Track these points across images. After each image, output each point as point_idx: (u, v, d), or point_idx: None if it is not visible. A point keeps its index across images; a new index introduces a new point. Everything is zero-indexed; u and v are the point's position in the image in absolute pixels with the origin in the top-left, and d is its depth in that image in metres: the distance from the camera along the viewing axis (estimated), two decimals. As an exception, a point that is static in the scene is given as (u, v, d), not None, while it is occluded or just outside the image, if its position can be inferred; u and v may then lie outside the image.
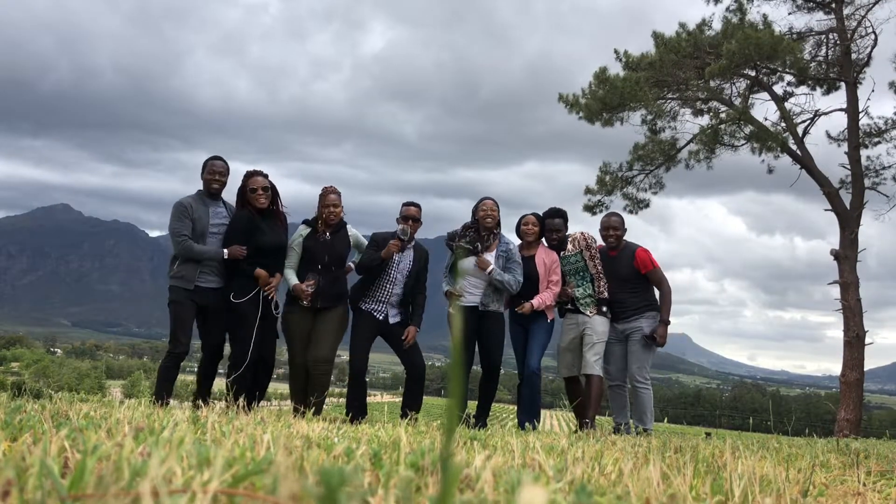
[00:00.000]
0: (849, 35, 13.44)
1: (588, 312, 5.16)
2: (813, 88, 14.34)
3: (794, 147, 13.75)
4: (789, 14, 14.33)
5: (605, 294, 5.16)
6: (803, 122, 14.07)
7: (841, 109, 13.76)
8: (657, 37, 14.07)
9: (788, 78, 14.47)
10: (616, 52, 14.70)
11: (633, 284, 5.23)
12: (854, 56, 13.62)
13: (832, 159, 14.03)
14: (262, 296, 4.83)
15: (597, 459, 1.71)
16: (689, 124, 15.04)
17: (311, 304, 4.88)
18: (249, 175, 4.88)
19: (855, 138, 13.40)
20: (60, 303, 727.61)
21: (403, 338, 5.01)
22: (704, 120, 14.87)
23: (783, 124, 13.94)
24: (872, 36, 13.58)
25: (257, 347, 4.81)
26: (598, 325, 5.15)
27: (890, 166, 14.00)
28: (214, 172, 4.83)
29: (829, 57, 14.16)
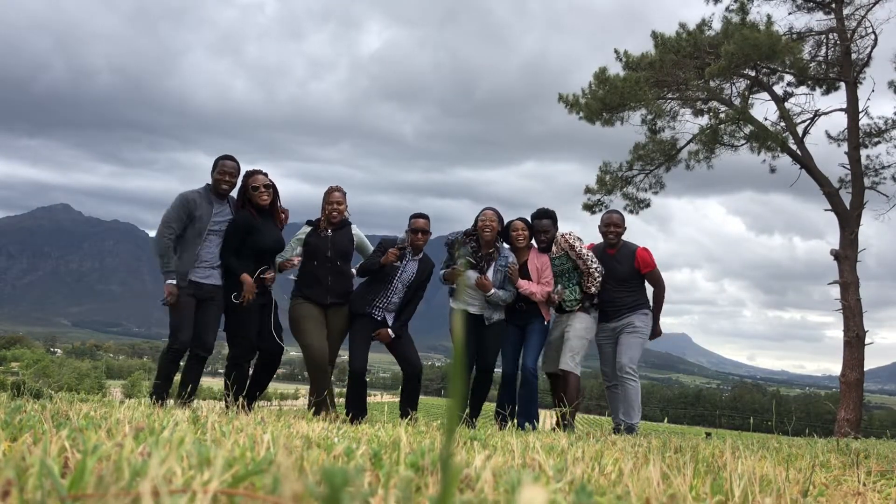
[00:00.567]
0: (849, 35, 13.44)
1: (575, 309, 5.17)
2: (813, 88, 14.35)
3: (794, 147, 13.75)
4: (789, 14, 14.35)
5: (593, 290, 5.11)
6: (803, 121, 14.09)
7: (841, 109, 13.76)
8: (657, 37, 14.07)
9: (788, 78, 14.47)
10: (616, 51, 14.71)
11: (630, 284, 5.22)
12: (854, 56, 13.62)
13: (832, 159, 14.04)
14: (260, 294, 4.85)
15: (597, 459, 1.71)
16: (689, 124, 15.06)
17: (321, 301, 4.91)
18: (250, 174, 4.89)
19: (855, 138, 13.40)
20: (60, 303, 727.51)
21: (374, 335, 5.03)
22: (704, 120, 14.89)
23: (783, 124, 13.94)
24: (872, 36, 13.60)
25: (256, 344, 4.85)
26: (577, 323, 5.13)
27: (889, 166, 14.02)
28: (225, 173, 4.80)
29: (829, 57, 14.16)
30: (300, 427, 2.26)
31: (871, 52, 13.66)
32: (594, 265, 5.10)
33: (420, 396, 5.26)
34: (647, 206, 15.55)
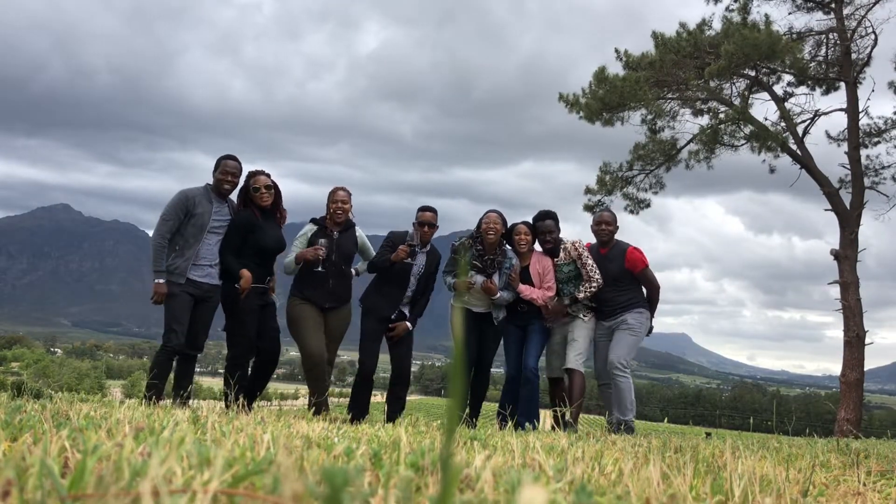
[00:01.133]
0: (849, 35, 13.44)
1: (581, 316, 5.19)
2: (813, 88, 14.35)
3: (794, 147, 13.76)
4: (789, 14, 14.36)
5: (581, 295, 5.12)
6: (803, 121, 14.10)
7: (841, 109, 13.77)
8: (657, 36, 14.07)
9: (788, 78, 14.48)
10: (616, 51, 14.71)
11: (622, 283, 5.21)
12: (854, 56, 13.62)
13: (832, 159, 14.05)
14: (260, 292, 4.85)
15: (597, 459, 1.71)
16: (688, 124, 15.07)
17: (320, 304, 4.92)
18: (253, 174, 4.90)
19: (855, 138, 13.41)
20: (60, 303, 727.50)
21: (391, 329, 5.07)
22: (704, 120, 14.90)
23: (783, 124, 13.94)
24: (872, 36, 13.60)
25: (255, 344, 4.85)
26: (579, 325, 5.18)
27: (889, 166, 14.02)
28: (227, 173, 4.80)
29: (829, 57, 14.16)
30: (300, 427, 2.26)
31: (871, 51, 13.67)
32: (596, 276, 5.12)
33: (419, 397, 5.27)
34: (648, 206, 15.56)
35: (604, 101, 13.88)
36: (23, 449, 1.10)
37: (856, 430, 11.36)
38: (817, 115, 14.03)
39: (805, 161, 13.51)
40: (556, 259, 5.23)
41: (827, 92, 14.31)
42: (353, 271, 5.24)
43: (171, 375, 4.75)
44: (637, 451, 2.19)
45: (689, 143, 14.99)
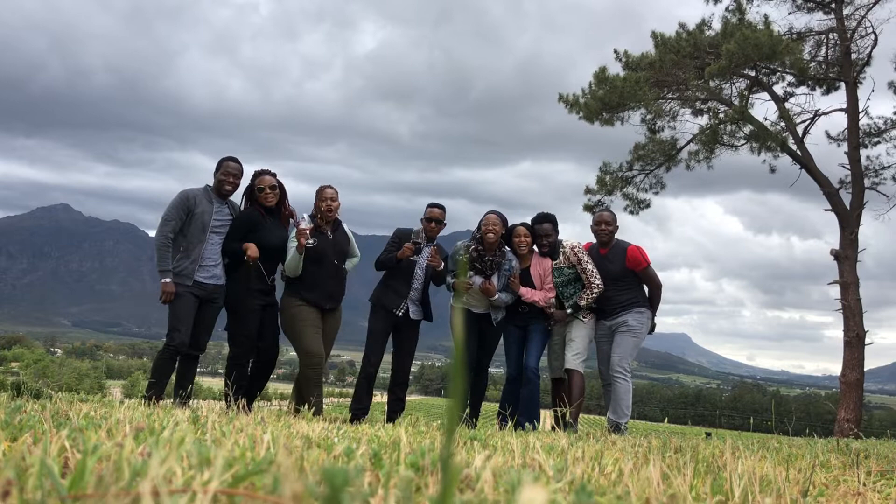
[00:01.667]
0: (849, 35, 13.44)
1: (580, 316, 5.19)
2: (813, 88, 14.35)
3: (794, 147, 13.75)
4: (789, 14, 14.36)
5: (583, 302, 5.12)
6: (803, 122, 14.09)
7: (841, 109, 13.77)
8: (657, 36, 14.07)
9: (789, 78, 14.47)
10: (616, 51, 14.72)
11: (622, 283, 5.20)
12: (854, 56, 13.62)
13: (832, 159, 14.05)
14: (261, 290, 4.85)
15: (597, 459, 1.71)
16: (688, 124, 15.07)
17: (322, 305, 4.91)
18: (258, 174, 4.91)
19: (855, 138, 13.41)
20: (60, 303, 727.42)
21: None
22: (704, 120, 14.90)
23: (783, 124, 13.94)
24: (872, 36, 13.60)
25: (256, 344, 4.85)
26: (578, 326, 5.18)
27: (889, 166, 14.02)
28: (228, 174, 4.80)
29: (829, 57, 14.16)
30: (300, 427, 2.26)
31: (871, 52, 13.67)
32: (596, 281, 5.12)
33: (419, 397, 5.29)
34: (647, 206, 15.55)
35: (604, 101, 13.88)
36: (23, 449, 1.10)
37: (856, 429, 11.36)
38: (817, 115, 14.04)
39: (805, 161, 13.51)
40: (554, 262, 5.23)
41: (827, 92, 14.31)
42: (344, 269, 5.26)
43: (173, 376, 4.75)
44: (637, 452, 2.19)
45: (688, 143, 14.99)
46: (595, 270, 5.14)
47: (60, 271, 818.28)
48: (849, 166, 13.44)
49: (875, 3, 13.35)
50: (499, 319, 5.24)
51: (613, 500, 1.10)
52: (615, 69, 14.24)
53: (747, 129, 14.10)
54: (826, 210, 13.29)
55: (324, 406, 5.02)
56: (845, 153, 13.57)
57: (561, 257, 5.20)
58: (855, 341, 12.41)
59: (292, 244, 4.84)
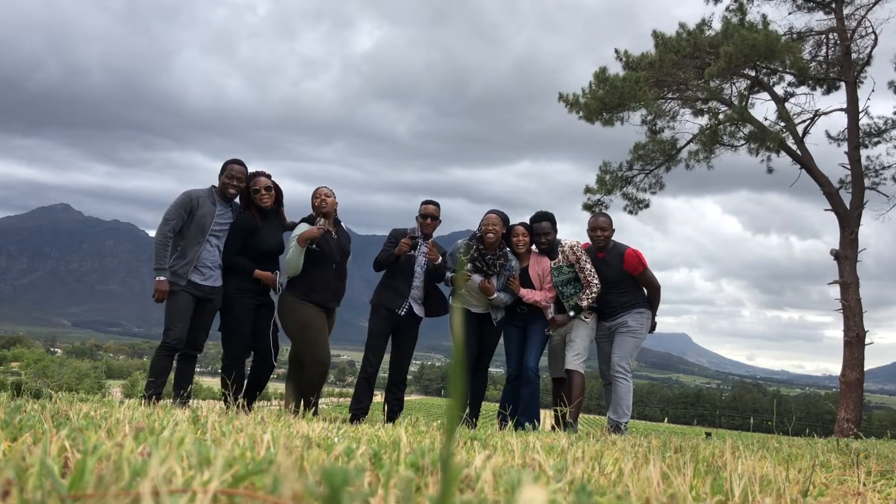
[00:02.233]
0: (849, 35, 13.44)
1: (582, 317, 5.19)
2: (813, 88, 14.34)
3: (794, 147, 13.75)
4: (789, 14, 14.36)
5: (585, 303, 5.11)
6: (803, 121, 14.08)
7: (841, 109, 13.76)
8: (657, 36, 14.07)
9: (789, 78, 14.47)
10: (616, 51, 14.72)
11: (620, 286, 5.19)
12: (854, 56, 13.62)
13: (832, 159, 14.06)
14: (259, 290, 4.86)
15: (597, 459, 1.71)
16: (688, 124, 15.07)
17: (328, 305, 4.93)
18: (253, 175, 4.89)
19: (855, 138, 13.40)
20: (60, 303, 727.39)
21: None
22: (704, 120, 14.89)
23: (783, 124, 13.94)
24: (872, 36, 13.59)
25: (249, 344, 4.85)
26: (579, 326, 5.18)
27: (890, 166, 14.01)
28: (233, 177, 4.79)
29: (829, 57, 14.16)
30: (300, 427, 2.26)
31: (871, 51, 13.66)
32: (594, 280, 5.12)
33: (419, 396, 5.30)
34: (647, 206, 15.54)
35: (604, 101, 13.88)
36: (23, 449, 1.10)
37: (856, 429, 11.37)
38: (817, 115, 14.03)
39: (805, 161, 13.51)
40: (553, 261, 5.23)
41: (827, 92, 14.31)
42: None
43: (172, 375, 4.75)
44: (637, 451, 2.19)
45: (688, 143, 14.99)
46: (593, 270, 5.14)
47: (60, 271, 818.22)
48: (849, 166, 13.44)
49: (875, 3, 13.35)
50: (498, 319, 5.25)
51: (613, 500, 1.10)
52: (615, 69, 14.26)
53: (747, 129, 14.11)
54: (826, 210, 13.29)
55: (324, 406, 5.04)
56: (845, 153, 13.57)
57: (560, 256, 5.21)
58: (855, 341, 12.41)
59: (292, 242, 4.84)
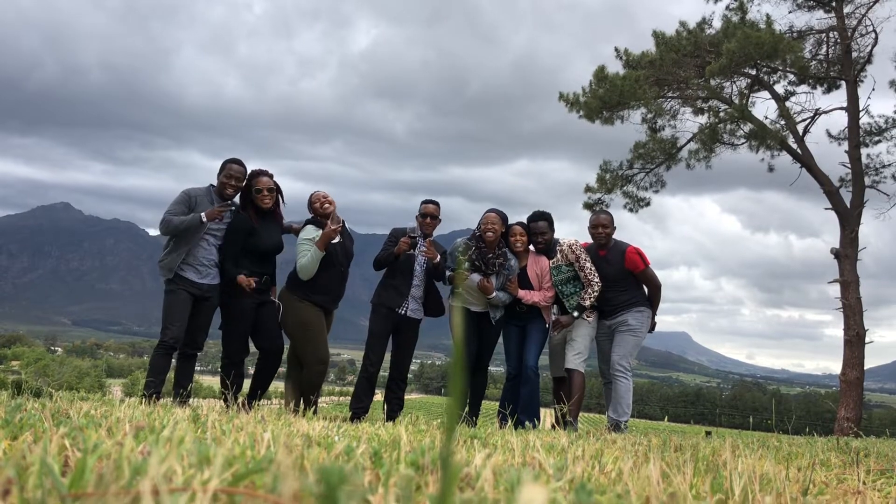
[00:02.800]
0: (849, 33, 13.43)
1: (584, 315, 5.19)
2: (813, 87, 14.34)
3: (794, 146, 13.75)
4: (790, 13, 14.37)
5: (587, 302, 5.12)
6: (804, 120, 14.07)
7: (841, 108, 13.76)
8: (657, 35, 14.06)
9: (789, 77, 14.47)
10: (616, 49, 14.71)
11: (621, 284, 5.19)
12: (854, 54, 13.61)
13: (832, 158, 14.05)
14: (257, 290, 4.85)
15: (597, 458, 1.71)
16: (689, 123, 15.06)
17: (329, 307, 4.94)
18: (255, 174, 4.84)
19: (855, 137, 13.40)
20: (61, 301, 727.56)
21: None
22: (704, 118, 14.89)
23: (783, 123, 13.93)
24: (873, 34, 13.58)
25: (247, 343, 4.86)
26: (579, 325, 5.19)
27: (890, 165, 14.00)
28: (231, 177, 4.77)
29: (830, 55, 14.15)
30: (300, 426, 2.26)
31: (871, 50, 13.65)
32: (595, 279, 5.12)
33: (420, 395, 5.30)
34: (647, 204, 15.54)
35: (604, 99, 13.87)
36: (23, 447, 1.10)
37: (856, 428, 11.37)
38: (818, 113, 14.03)
39: (805, 160, 13.50)
40: (552, 260, 5.23)
41: (828, 90, 14.30)
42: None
43: (171, 374, 4.75)
44: (637, 450, 2.19)
45: (689, 141, 14.99)
46: (593, 268, 5.14)
47: (61, 270, 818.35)
48: (849, 165, 13.43)
49: (875, 2, 13.34)
50: (498, 318, 5.25)
51: (613, 499, 1.10)
52: (615, 67, 14.26)
53: (747, 127, 14.10)
54: (826, 209, 13.29)
55: (324, 405, 5.06)
56: (846, 152, 13.57)
57: (558, 255, 5.21)
58: (855, 340, 12.40)
59: (303, 246, 4.82)
